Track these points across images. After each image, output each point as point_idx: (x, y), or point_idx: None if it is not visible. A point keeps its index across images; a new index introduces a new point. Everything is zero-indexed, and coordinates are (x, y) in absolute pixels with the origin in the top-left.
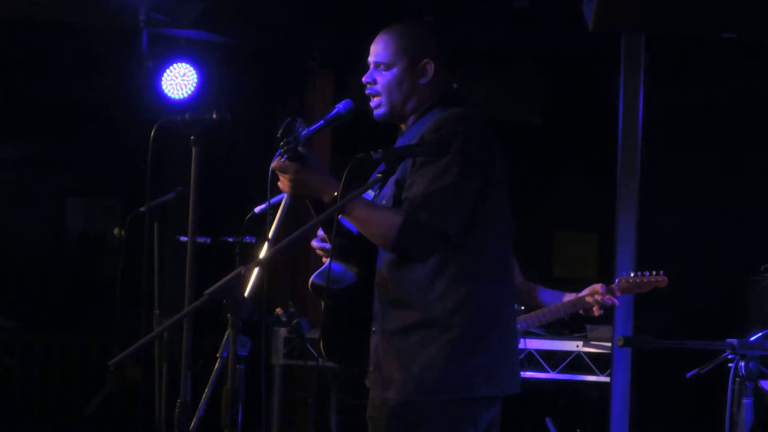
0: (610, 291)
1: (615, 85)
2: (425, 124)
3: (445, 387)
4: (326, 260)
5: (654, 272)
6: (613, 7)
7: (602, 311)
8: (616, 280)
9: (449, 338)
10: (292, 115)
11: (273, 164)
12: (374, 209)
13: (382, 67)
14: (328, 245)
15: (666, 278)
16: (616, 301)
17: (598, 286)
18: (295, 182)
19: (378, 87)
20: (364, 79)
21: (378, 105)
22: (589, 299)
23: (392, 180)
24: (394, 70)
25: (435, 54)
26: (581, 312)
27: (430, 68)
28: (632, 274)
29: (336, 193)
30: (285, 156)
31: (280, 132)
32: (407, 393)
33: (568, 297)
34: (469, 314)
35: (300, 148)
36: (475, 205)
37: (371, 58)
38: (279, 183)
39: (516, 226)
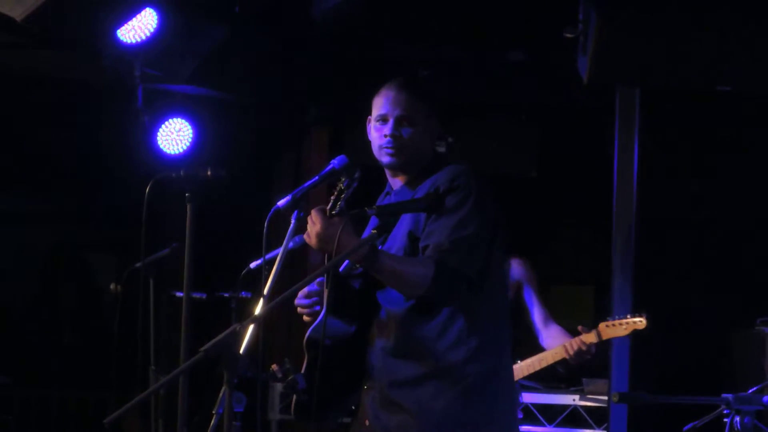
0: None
1: (610, 137)
2: (434, 180)
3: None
4: (308, 318)
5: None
6: (607, 62)
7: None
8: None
9: (464, 386)
10: (358, 169)
11: (311, 214)
12: (401, 260)
13: (405, 122)
14: (307, 301)
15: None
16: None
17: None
18: (318, 236)
19: (406, 141)
20: (388, 132)
21: (398, 154)
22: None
23: (403, 231)
24: (418, 126)
25: (438, 110)
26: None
27: (436, 125)
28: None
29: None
30: (336, 211)
31: (342, 187)
32: None
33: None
34: (479, 362)
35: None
36: (488, 255)
37: (394, 112)
38: (305, 235)
39: None
